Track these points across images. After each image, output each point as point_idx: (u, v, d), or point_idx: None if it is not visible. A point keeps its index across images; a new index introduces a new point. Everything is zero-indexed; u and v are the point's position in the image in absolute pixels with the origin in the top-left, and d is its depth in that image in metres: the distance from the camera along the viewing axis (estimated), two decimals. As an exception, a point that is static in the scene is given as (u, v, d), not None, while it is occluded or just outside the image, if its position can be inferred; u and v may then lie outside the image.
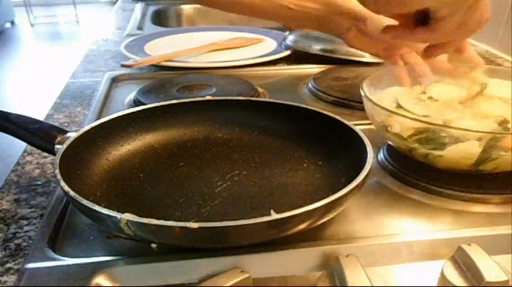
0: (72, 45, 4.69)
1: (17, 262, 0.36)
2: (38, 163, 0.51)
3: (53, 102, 0.69)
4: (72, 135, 0.43)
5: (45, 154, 0.52)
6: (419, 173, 0.45)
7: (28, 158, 0.53)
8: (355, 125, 0.45)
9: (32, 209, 0.43)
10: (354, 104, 0.63)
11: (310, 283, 0.33)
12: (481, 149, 0.40)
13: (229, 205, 0.40)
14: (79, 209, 0.36)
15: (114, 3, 1.80)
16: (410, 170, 0.46)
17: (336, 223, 0.39)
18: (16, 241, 0.39)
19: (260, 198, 0.41)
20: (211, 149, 0.49)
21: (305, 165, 0.46)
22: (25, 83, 3.63)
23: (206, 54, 0.89)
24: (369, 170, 0.37)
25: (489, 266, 0.31)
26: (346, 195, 0.34)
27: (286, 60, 0.87)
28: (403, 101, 0.49)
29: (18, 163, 0.51)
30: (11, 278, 0.34)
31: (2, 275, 0.35)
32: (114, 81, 0.77)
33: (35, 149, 0.51)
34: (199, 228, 0.30)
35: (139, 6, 1.44)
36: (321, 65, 0.82)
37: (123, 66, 0.79)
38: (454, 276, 0.32)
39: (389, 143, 0.49)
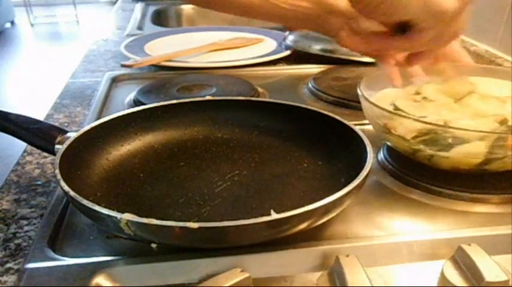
0: (72, 45, 4.69)
1: (17, 262, 0.36)
2: (38, 163, 0.51)
3: (53, 102, 0.69)
4: (72, 135, 0.43)
5: (45, 154, 0.52)
6: (420, 173, 0.45)
7: (28, 158, 0.53)
8: (355, 125, 0.45)
9: (32, 209, 0.43)
10: (354, 104, 0.63)
11: (310, 283, 0.33)
12: (486, 150, 0.40)
13: (229, 205, 0.40)
14: (79, 209, 0.36)
15: (114, 3, 1.80)
16: (410, 170, 0.46)
17: (336, 223, 0.39)
18: (16, 241, 0.39)
19: (260, 198, 0.41)
20: (211, 149, 0.49)
21: (305, 165, 0.46)
22: (25, 83, 3.63)
23: (206, 54, 0.89)
24: (369, 170, 0.37)
25: (489, 266, 0.31)
26: (346, 195, 0.34)
27: (286, 60, 0.87)
28: (400, 102, 0.49)
29: (18, 163, 0.51)
30: (11, 278, 0.34)
31: (2, 275, 0.35)
32: (114, 81, 0.77)
33: (35, 149, 0.51)
34: (199, 228, 0.30)
35: (139, 6, 1.44)
36: (321, 65, 0.82)
37: (123, 66, 0.79)
38: (454, 276, 0.32)
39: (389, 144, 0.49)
